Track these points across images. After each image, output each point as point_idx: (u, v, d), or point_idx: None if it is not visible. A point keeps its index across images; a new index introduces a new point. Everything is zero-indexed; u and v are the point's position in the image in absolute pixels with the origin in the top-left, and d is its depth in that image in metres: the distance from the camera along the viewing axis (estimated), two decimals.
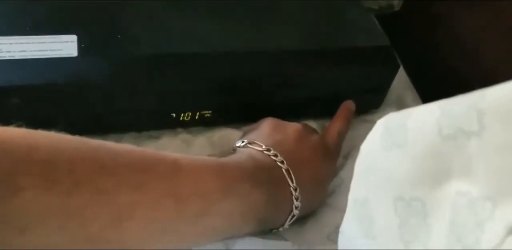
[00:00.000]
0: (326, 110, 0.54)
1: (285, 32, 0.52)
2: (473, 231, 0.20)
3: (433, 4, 0.67)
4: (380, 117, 0.55)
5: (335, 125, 0.49)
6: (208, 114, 0.50)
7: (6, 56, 0.42)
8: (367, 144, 0.30)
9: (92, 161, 0.29)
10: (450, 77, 0.65)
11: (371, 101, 0.57)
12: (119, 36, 0.46)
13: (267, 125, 0.45)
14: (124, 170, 0.30)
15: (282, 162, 0.40)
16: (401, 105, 0.59)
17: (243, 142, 0.42)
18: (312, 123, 0.54)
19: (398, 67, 0.53)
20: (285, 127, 0.45)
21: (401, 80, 0.61)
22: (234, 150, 0.43)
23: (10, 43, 0.43)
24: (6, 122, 0.44)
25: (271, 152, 0.40)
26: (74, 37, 0.44)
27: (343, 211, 0.32)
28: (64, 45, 0.44)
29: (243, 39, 0.49)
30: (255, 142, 0.41)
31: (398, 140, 0.27)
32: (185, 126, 0.51)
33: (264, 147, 0.40)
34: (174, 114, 0.49)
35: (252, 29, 0.51)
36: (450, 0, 0.63)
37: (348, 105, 0.52)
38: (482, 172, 0.21)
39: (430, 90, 0.63)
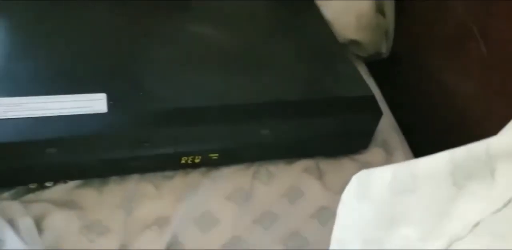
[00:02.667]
0: (319, 150, 0.63)
1: (279, 83, 0.60)
2: None
3: (417, 52, 0.75)
4: (367, 157, 0.64)
5: None
6: (215, 157, 0.58)
7: (47, 113, 0.50)
8: (345, 194, 0.38)
9: None
10: (432, 117, 0.72)
11: (359, 143, 0.64)
12: (141, 93, 0.54)
13: None
14: None
15: None
16: (387, 146, 0.67)
17: None
18: (309, 161, 0.62)
19: (381, 115, 0.60)
20: None
21: (388, 122, 0.69)
22: None
23: (49, 102, 0.51)
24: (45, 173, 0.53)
25: None
26: (103, 95, 0.53)
27: None
28: (96, 103, 0.52)
29: (242, 92, 0.57)
30: None
31: (365, 192, 0.34)
32: (195, 166, 0.59)
33: None
34: (186, 158, 0.57)
35: (250, 82, 0.59)
36: (432, 50, 0.71)
37: None
38: (417, 220, 0.28)
39: (415, 131, 0.71)
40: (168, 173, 0.58)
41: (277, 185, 0.58)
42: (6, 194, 0.51)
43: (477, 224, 0.25)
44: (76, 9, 0.63)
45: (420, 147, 0.69)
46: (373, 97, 0.61)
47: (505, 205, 0.24)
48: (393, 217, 0.31)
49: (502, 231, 0.24)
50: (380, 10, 0.73)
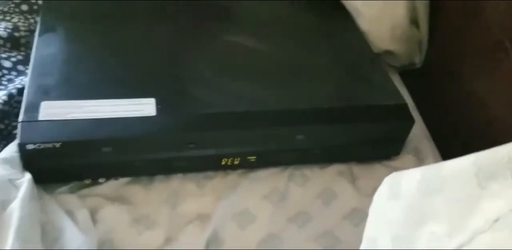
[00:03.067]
0: (352, 155, 0.66)
1: (315, 91, 0.63)
2: None
3: (449, 63, 0.77)
4: (399, 163, 0.66)
5: None
6: (253, 159, 0.61)
7: (103, 115, 0.55)
8: (377, 194, 0.41)
9: None
10: (463, 126, 0.74)
11: (391, 149, 0.67)
12: (186, 98, 0.58)
13: None
14: None
15: None
16: (418, 153, 0.69)
17: None
18: (342, 166, 0.65)
19: (413, 122, 0.63)
20: None
21: (419, 130, 0.72)
22: None
23: (105, 105, 0.56)
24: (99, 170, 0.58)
25: None
26: (153, 100, 0.57)
27: None
28: (146, 107, 0.56)
29: (280, 99, 0.61)
30: None
31: (396, 192, 0.38)
32: (234, 168, 0.62)
33: None
34: (226, 159, 0.61)
35: (287, 90, 0.63)
36: (464, 61, 0.73)
37: None
38: (444, 217, 0.31)
39: (446, 140, 0.73)
40: (209, 173, 0.62)
41: (311, 187, 0.62)
42: (64, 188, 0.56)
43: (497, 220, 0.28)
44: (129, 24, 0.69)
45: (451, 154, 0.71)
46: (405, 106, 0.64)
47: None
48: (422, 215, 0.34)
49: None
50: (414, 22, 0.76)
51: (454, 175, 0.31)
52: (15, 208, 0.46)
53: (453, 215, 0.31)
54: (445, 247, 0.30)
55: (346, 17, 0.76)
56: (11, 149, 0.52)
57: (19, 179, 0.50)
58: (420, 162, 0.68)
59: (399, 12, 0.72)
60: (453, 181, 0.31)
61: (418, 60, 0.80)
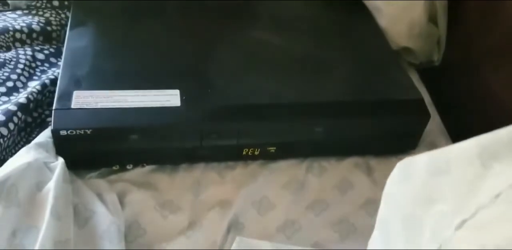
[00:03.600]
0: (369, 149, 0.68)
1: (334, 85, 0.65)
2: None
3: (468, 61, 0.78)
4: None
5: None
6: (273, 150, 0.64)
7: (130, 105, 0.58)
8: (389, 178, 0.43)
9: None
10: (480, 123, 0.75)
11: (408, 143, 0.69)
12: (209, 90, 0.61)
13: None
14: None
15: None
16: (434, 147, 0.69)
17: None
18: (359, 159, 0.67)
19: (429, 117, 0.65)
20: None
21: (436, 126, 0.73)
22: None
23: (132, 95, 0.59)
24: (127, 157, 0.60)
25: None
26: (177, 91, 0.60)
27: None
28: (171, 97, 0.59)
29: (300, 92, 0.63)
30: None
31: (406, 175, 0.40)
32: (255, 158, 0.65)
33: None
34: (246, 150, 0.63)
35: (307, 83, 0.65)
36: (483, 59, 0.74)
37: None
38: (451, 197, 0.33)
39: (462, 136, 0.74)
40: (230, 163, 0.64)
41: (328, 177, 0.64)
42: (93, 174, 0.59)
43: (498, 195, 0.30)
44: (156, 19, 0.72)
45: None
46: (422, 100, 0.65)
47: None
48: (430, 195, 0.36)
49: None
50: (432, 20, 0.77)
51: (459, 156, 0.33)
52: (50, 188, 0.49)
53: (459, 194, 0.33)
54: (450, 223, 0.32)
55: (366, 14, 0.78)
56: (45, 135, 0.56)
57: (53, 162, 0.53)
58: None
59: (417, 10, 0.74)
60: (458, 162, 0.33)
61: (436, 57, 0.82)
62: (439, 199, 0.35)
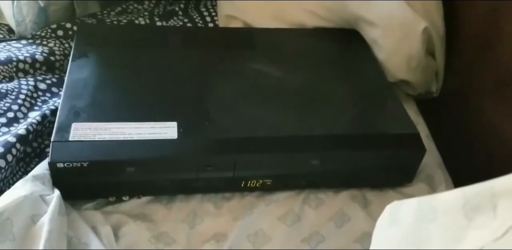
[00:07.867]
0: (366, 181, 0.68)
1: (330, 118, 0.66)
2: None
3: (466, 93, 0.78)
4: (411, 190, 0.67)
5: None
6: (269, 182, 0.64)
7: (128, 137, 0.59)
8: (379, 219, 0.43)
9: None
10: (478, 157, 0.75)
11: (404, 177, 0.69)
12: (206, 123, 0.62)
13: None
14: None
15: None
16: (431, 181, 0.71)
17: None
18: (356, 191, 0.67)
19: (424, 151, 0.65)
20: None
21: (433, 159, 0.73)
22: None
23: (130, 128, 0.60)
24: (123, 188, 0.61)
25: None
26: (175, 124, 0.61)
27: None
28: (168, 130, 0.60)
29: (296, 125, 0.64)
30: None
31: (395, 218, 0.40)
32: (251, 190, 0.65)
33: None
34: (243, 182, 0.63)
35: (304, 116, 0.65)
36: (481, 92, 0.74)
37: None
38: (436, 244, 0.34)
39: (460, 169, 0.74)
40: (227, 195, 0.65)
41: (325, 210, 0.64)
42: (89, 205, 0.60)
43: (481, 249, 0.30)
44: (156, 51, 0.73)
45: (464, 183, 0.72)
46: (417, 135, 0.66)
47: (503, 235, 0.29)
48: (417, 240, 0.36)
49: None
50: (430, 52, 0.78)
51: (444, 206, 0.34)
52: (45, 221, 0.50)
53: (444, 241, 0.33)
54: None
55: (363, 47, 0.79)
56: (42, 167, 0.57)
57: (49, 195, 0.54)
58: (432, 189, 0.69)
59: (414, 42, 0.75)
60: (444, 211, 0.34)
61: (435, 89, 0.82)
62: (427, 244, 0.35)
